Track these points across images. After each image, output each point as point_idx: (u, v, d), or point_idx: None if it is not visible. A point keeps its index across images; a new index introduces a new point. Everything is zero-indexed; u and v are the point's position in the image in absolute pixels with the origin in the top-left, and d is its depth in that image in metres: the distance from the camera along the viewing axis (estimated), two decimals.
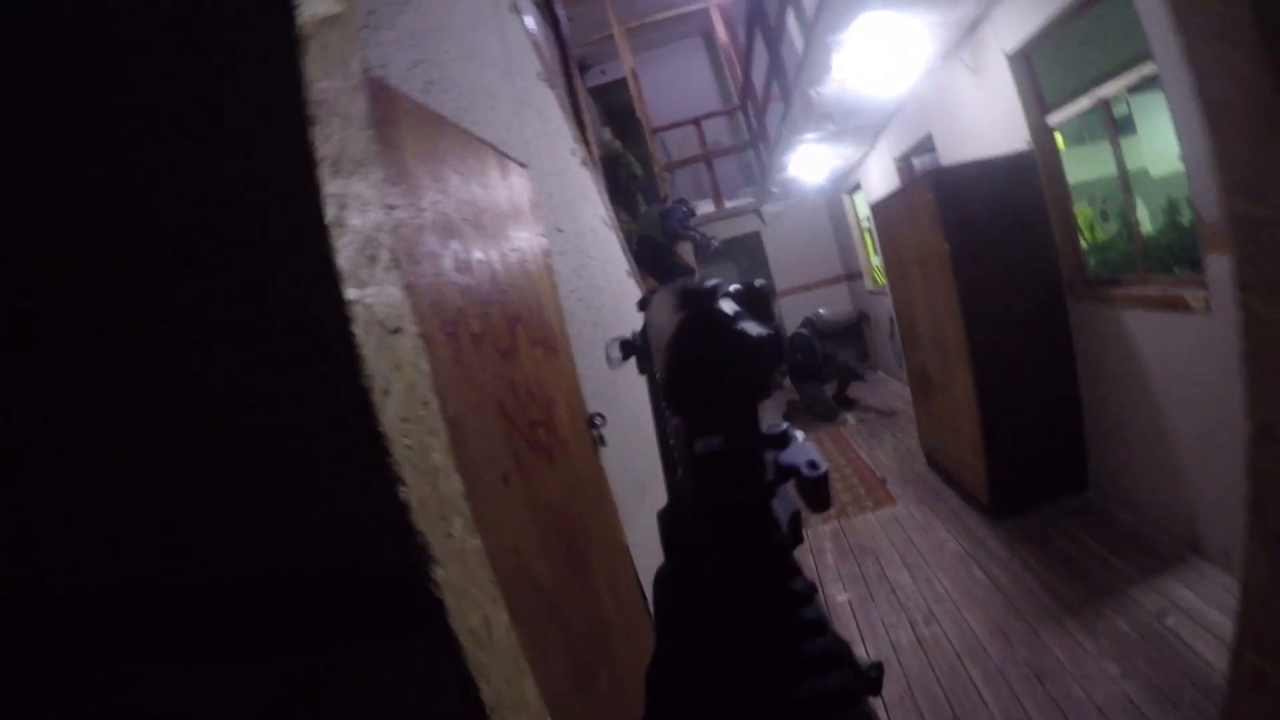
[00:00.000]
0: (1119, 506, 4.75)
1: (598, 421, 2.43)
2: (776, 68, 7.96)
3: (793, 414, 9.81)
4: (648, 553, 2.83)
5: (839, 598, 4.69)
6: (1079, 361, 4.97)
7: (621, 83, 12.12)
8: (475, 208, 1.78)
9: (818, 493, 0.66)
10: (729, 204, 13.15)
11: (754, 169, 13.11)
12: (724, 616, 0.72)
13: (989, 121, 5.42)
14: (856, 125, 8.27)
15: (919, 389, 6.70)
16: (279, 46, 1.09)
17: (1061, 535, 4.65)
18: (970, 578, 4.45)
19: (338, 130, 1.14)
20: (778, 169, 10.47)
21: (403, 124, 1.51)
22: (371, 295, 1.14)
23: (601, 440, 2.44)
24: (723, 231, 13.00)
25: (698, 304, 0.62)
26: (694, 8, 13.10)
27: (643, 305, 1.03)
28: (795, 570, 0.73)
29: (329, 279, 1.06)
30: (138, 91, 1.10)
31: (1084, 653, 3.42)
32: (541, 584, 1.62)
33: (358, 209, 1.15)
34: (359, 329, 1.08)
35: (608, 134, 12.19)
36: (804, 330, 9.85)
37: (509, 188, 2.08)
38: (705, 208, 13.26)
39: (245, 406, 1.13)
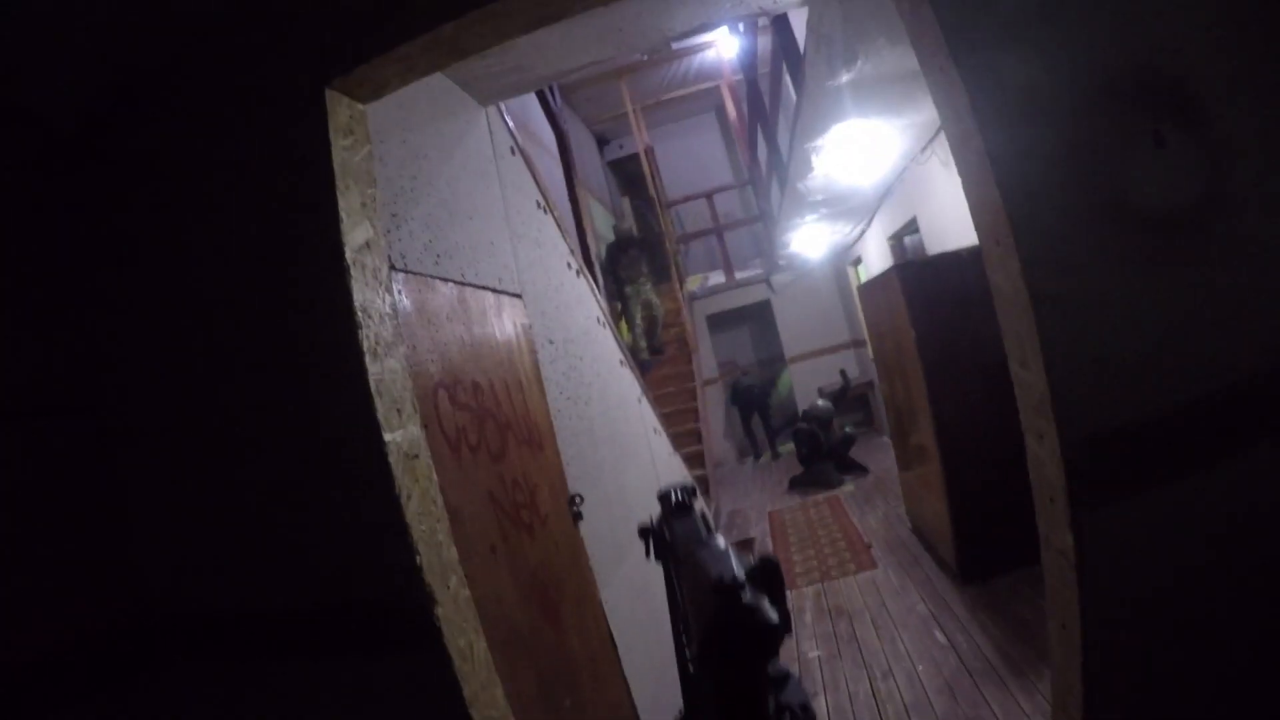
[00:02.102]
0: None
1: (577, 501, 3.03)
2: (773, 158, 8.55)
3: (796, 485, 10.07)
4: (620, 605, 3.42)
5: (810, 654, 5.00)
6: None
7: (644, 153, 12.76)
8: (474, 346, 2.43)
9: None
10: (739, 275, 13.65)
11: (763, 241, 13.65)
12: None
13: (964, 209, 5.76)
14: (847, 209, 8.86)
15: (902, 458, 7.02)
16: (334, 274, 1.81)
17: (1021, 601, 4.91)
18: (930, 638, 4.75)
19: (374, 325, 1.83)
20: (781, 245, 11.10)
21: (416, 299, 2.17)
22: (399, 435, 1.81)
23: (579, 516, 3.05)
24: (733, 300, 13.55)
25: (728, 598, 0.81)
26: (706, 86, 13.69)
27: (643, 534, 1.44)
28: None
29: (374, 428, 1.77)
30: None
31: (1019, 710, 3.71)
32: (516, 625, 2.24)
33: (389, 380, 1.83)
34: (392, 458, 1.77)
35: (626, 206, 12.66)
36: (804, 425, 10.27)
37: (502, 319, 2.73)
38: (716, 278, 13.81)
39: (335, 514, 1.88)
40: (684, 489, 1.35)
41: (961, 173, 2.03)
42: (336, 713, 1.96)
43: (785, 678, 0.93)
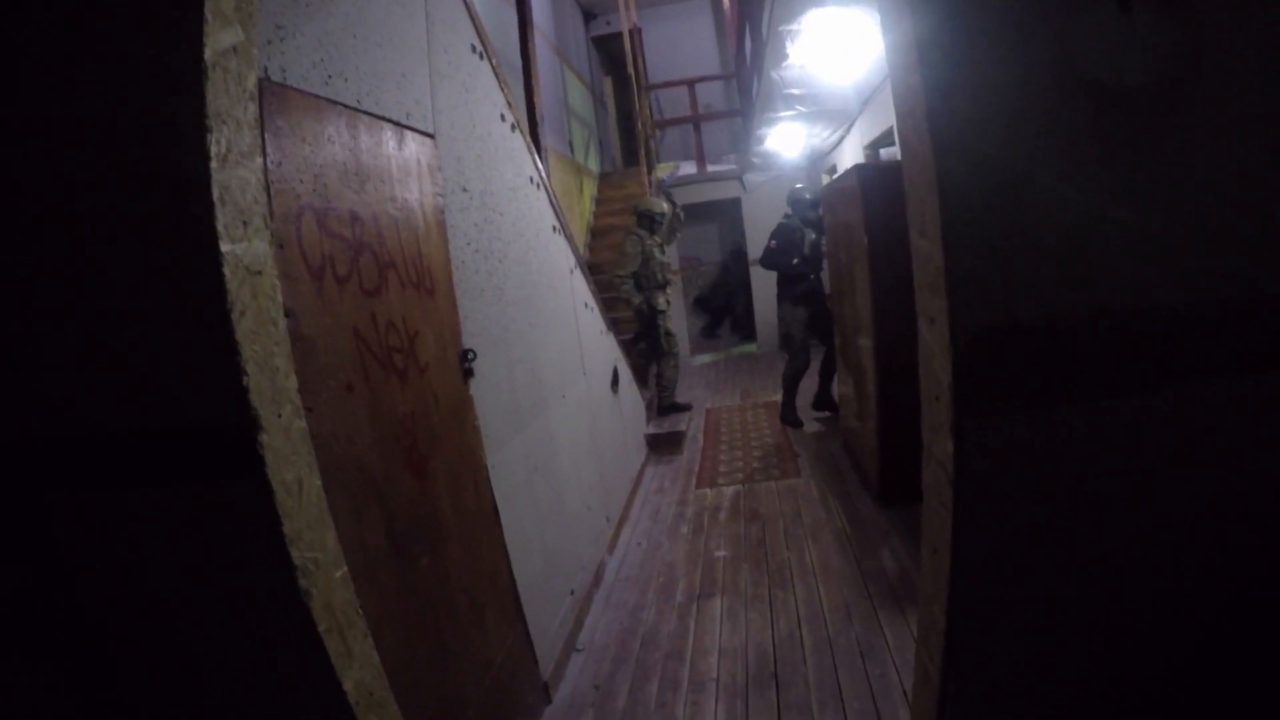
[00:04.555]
0: None
1: (469, 356, 2.91)
2: (755, 45, 8.24)
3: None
4: (512, 474, 3.36)
5: (716, 553, 5.05)
6: None
7: (629, 33, 12.31)
8: (360, 176, 2.27)
9: None
10: (712, 168, 13.45)
11: (740, 137, 13.38)
12: None
13: None
14: (827, 110, 8.64)
15: (843, 372, 6.90)
16: (189, 75, 1.64)
17: None
18: (840, 554, 4.74)
19: (229, 132, 1.67)
20: (756, 141, 10.86)
21: (292, 115, 2.00)
22: (241, 248, 1.67)
23: (470, 372, 2.93)
24: (703, 194, 13.36)
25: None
26: None
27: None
28: None
29: (211, 237, 1.62)
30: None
31: (911, 639, 3.60)
32: (370, 471, 2.14)
33: (236, 189, 1.68)
34: (227, 269, 1.63)
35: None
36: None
37: (404, 156, 2.56)
38: (689, 168, 13.60)
39: (176, 328, 1.71)
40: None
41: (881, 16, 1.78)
42: (173, 538, 1.86)
43: None
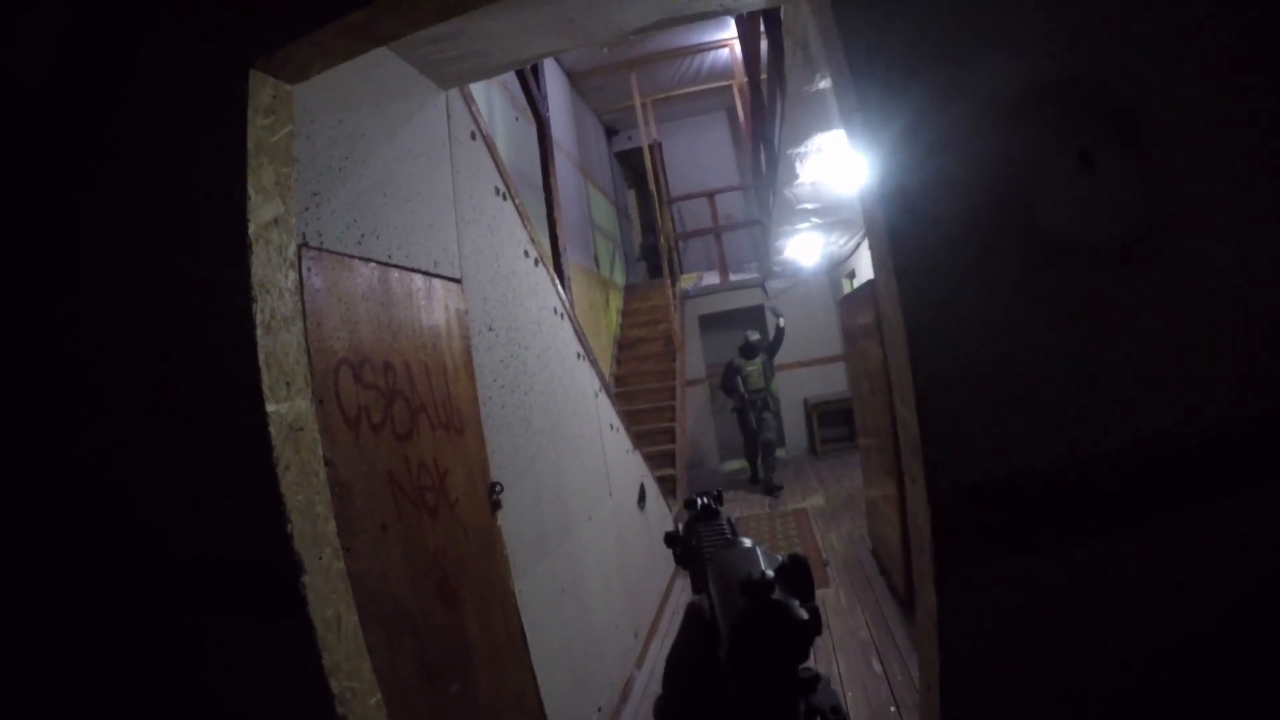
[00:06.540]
0: None
1: (496, 489, 3.07)
2: (769, 162, 8.47)
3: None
4: (539, 599, 3.46)
5: None
6: None
7: (649, 148, 12.71)
8: (392, 327, 2.47)
9: None
10: (734, 277, 13.67)
11: (760, 245, 13.62)
12: None
13: None
14: (840, 219, 8.86)
15: (867, 475, 6.89)
16: (234, 248, 1.84)
17: None
18: (866, 667, 4.72)
19: (272, 300, 1.86)
20: (775, 250, 11.11)
21: (328, 276, 2.21)
22: (284, 408, 1.85)
23: (498, 504, 3.08)
24: (727, 303, 13.56)
25: (756, 596, 0.78)
26: (718, 85, 13.66)
27: (670, 541, 1.25)
28: None
29: (257, 399, 1.81)
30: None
31: None
32: (403, 605, 2.28)
33: (280, 353, 1.87)
34: (273, 428, 1.81)
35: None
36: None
37: (432, 303, 2.77)
38: (711, 278, 13.84)
39: (224, 476, 1.95)
40: (711, 494, 1.33)
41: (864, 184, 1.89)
42: (217, 661, 2.06)
43: (815, 680, 0.87)
